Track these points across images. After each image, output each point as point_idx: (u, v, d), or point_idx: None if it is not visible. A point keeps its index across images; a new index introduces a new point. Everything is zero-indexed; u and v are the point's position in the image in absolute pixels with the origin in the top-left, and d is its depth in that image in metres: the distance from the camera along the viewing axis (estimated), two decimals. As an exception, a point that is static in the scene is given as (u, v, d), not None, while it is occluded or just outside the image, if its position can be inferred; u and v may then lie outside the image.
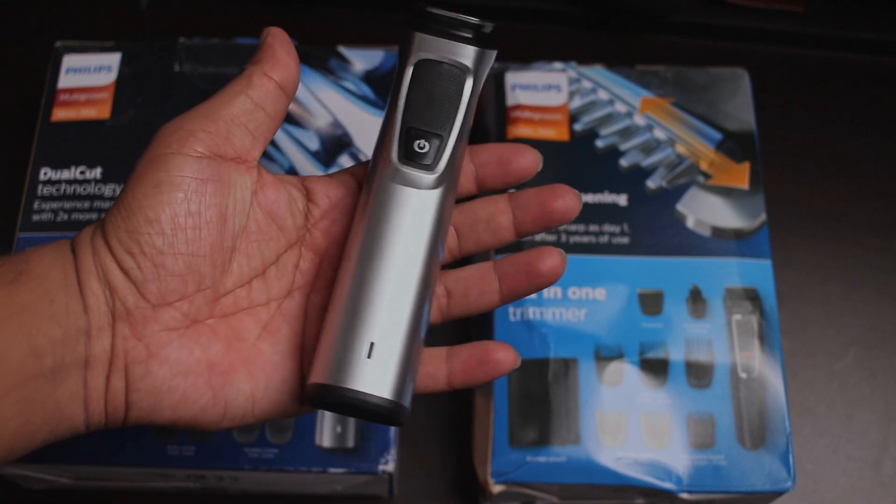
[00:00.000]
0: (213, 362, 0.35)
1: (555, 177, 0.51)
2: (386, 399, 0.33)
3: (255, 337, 0.36)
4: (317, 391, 0.34)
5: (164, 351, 0.34)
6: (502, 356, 0.36)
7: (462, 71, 0.36)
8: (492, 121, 0.53)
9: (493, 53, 0.37)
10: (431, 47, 0.36)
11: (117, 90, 0.52)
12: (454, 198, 0.37)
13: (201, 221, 0.34)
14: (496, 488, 0.45)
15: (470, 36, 0.36)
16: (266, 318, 0.37)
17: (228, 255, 0.35)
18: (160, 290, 0.34)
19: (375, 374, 0.33)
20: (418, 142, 0.35)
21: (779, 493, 0.46)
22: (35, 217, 0.49)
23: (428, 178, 0.35)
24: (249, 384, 0.36)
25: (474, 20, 0.36)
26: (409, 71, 0.36)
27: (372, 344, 0.34)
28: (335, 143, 0.51)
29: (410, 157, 0.35)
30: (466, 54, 0.36)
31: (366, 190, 0.36)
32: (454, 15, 0.36)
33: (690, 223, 0.50)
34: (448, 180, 0.36)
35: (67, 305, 0.33)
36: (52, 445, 0.45)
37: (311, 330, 0.37)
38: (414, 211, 0.35)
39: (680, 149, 0.52)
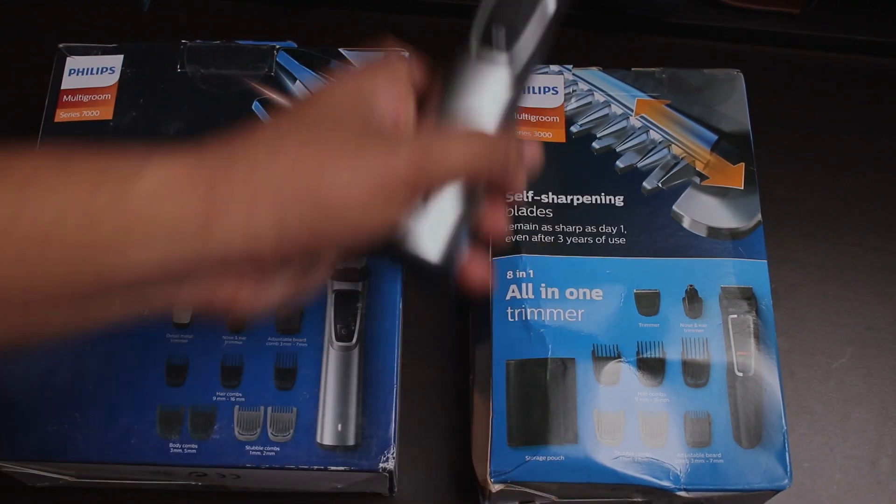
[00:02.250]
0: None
1: (552, 178, 0.51)
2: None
3: None
4: None
5: None
6: None
7: None
8: (490, 122, 0.53)
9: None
10: None
11: (120, 91, 0.52)
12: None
13: None
14: (495, 487, 0.45)
15: None
16: None
17: None
18: None
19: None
20: None
21: (775, 491, 0.46)
22: (38, 218, 0.49)
23: None
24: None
25: None
26: None
27: None
28: (335, 145, 0.51)
29: None
30: None
31: None
32: None
33: (686, 224, 0.50)
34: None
35: None
36: (52, 444, 0.46)
37: None
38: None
39: (676, 150, 0.52)
